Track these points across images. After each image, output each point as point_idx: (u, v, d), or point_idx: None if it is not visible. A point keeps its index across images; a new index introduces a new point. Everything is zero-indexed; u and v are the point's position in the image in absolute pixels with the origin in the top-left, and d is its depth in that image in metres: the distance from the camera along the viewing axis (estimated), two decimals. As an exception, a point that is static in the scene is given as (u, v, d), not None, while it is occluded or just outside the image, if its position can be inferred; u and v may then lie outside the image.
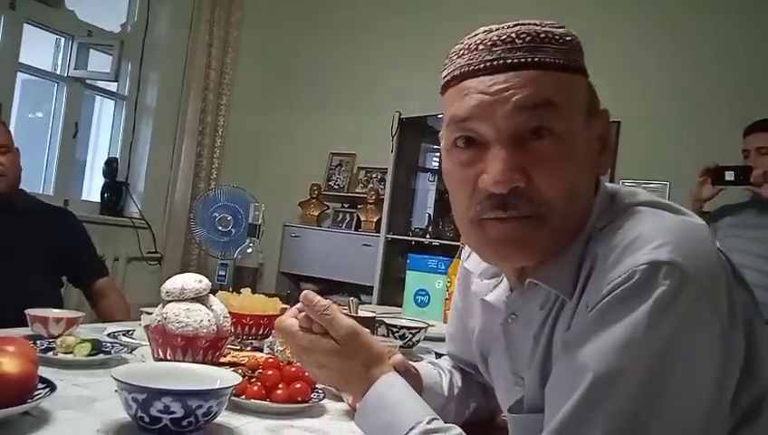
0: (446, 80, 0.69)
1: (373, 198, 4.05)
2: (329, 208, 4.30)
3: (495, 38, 0.65)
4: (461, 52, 0.67)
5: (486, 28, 0.66)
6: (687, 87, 3.25)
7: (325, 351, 0.72)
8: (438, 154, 3.91)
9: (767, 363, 0.64)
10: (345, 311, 1.56)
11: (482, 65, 0.64)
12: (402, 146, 3.81)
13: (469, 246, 0.72)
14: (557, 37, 0.65)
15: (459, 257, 1.89)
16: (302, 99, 4.40)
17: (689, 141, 3.13)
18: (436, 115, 3.71)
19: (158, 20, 3.80)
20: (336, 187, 4.32)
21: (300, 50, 4.42)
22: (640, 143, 3.22)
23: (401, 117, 3.73)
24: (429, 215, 3.93)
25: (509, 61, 0.63)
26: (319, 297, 0.73)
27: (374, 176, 4.20)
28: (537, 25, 0.65)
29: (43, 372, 0.92)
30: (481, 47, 0.65)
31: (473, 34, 0.67)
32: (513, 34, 0.64)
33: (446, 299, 1.89)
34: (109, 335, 1.23)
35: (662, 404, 0.55)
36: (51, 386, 0.81)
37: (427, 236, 3.79)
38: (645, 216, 0.63)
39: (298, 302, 0.75)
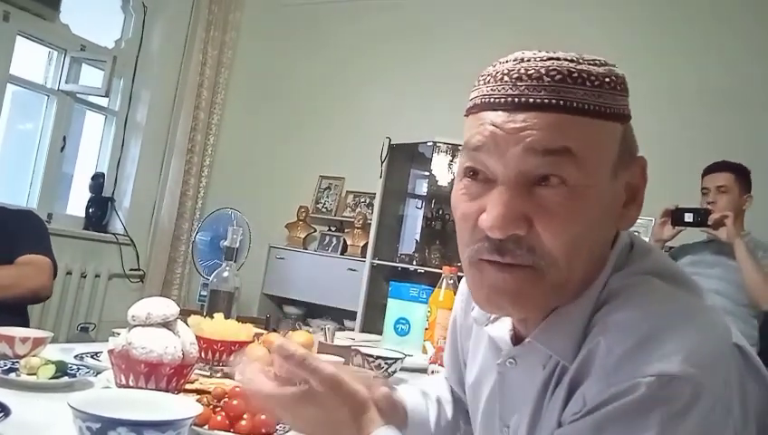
0: (468, 105, 0.64)
1: (360, 222, 4.04)
2: (315, 231, 4.29)
3: (523, 71, 0.60)
4: (487, 78, 0.63)
5: (518, 56, 0.62)
6: (670, 128, 3.29)
7: (308, 403, 0.67)
8: (427, 180, 3.93)
9: None
10: (321, 338, 1.54)
11: (502, 99, 0.60)
12: (391, 171, 3.82)
13: (467, 284, 0.67)
14: (593, 78, 0.59)
15: (440, 287, 1.89)
16: (292, 121, 4.41)
17: (671, 180, 3.17)
18: (426, 142, 3.73)
19: (152, 37, 3.83)
20: (324, 210, 4.31)
21: (292, 72, 4.44)
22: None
23: (391, 143, 3.74)
24: (416, 241, 3.93)
25: (531, 100, 0.58)
26: (295, 345, 0.67)
27: (362, 200, 4.20)
28: (572, 62, 0.60)
29: (4, 394, 0.90)
30: (506, 79, 0.60)
31: (504, 60, 0.63)
32: (543, 70, 0.59)
33: (426, 329, 1.88)
34: (76, 357, 1.20)
35: None
36: (5, 411, 0.79)
37: (414, 262, 3.77)
38: (658, 300, 0.58)
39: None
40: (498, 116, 0.60)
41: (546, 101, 0.58)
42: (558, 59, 0.60)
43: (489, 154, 0.60)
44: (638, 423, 0.52)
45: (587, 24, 3.41)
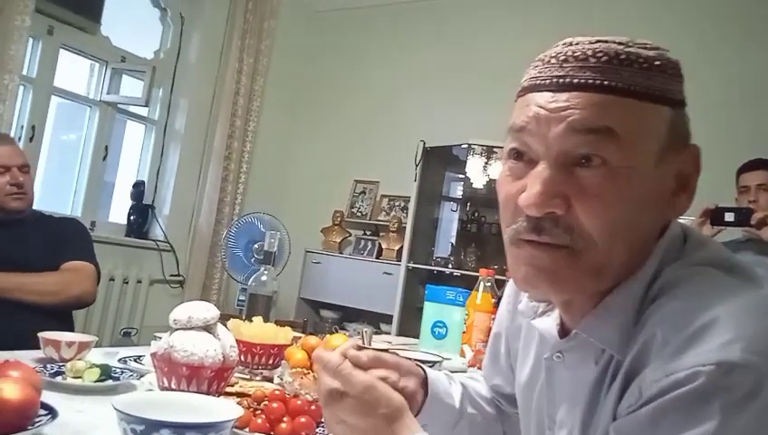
0: (519, 89, 0.65)
1: (395, 226, 4.04)
2: (351, 235, 4.30)
3: (570, 53, 0.60)
4: (536, 63, 0.63)
5: (569, 40, 0.62)
6: (707, 125, 3.20)
7: (343, 407, 0.68)
8: (462, 183, 3.90)
9: None
10: (359, 341, 1.54)
11: (548, 81, 0.60)
12: (426, 175, 3.81)
13: (508, 266, 0.66)
14: (641, 60, 0.59)
15: (477, 290, 1.87)
16: (327, 126, 4.44)
17: (710, 180, 3.07)
18: (461, 145, 3.71)
19: (189, 47, 3.90)
20: (359, 214, 4.33)
21: (327, 78, 4.48)
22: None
23: (425, 146, 3.73)
24: (452, 244, 3.90)
25: (575, 81, 0.58)
26: (330, 354, 0.69)
27: (397, 204, 4.20)
28: (621, 45, 0.59)
29: (51, 397, 0.91)
30: (553, 61, 0.61)
31: (556, 45, 0.63)
32: (590, 52, 0.59)
33: (464, 332, 1.86)
34: (120, 360, 1.22)
35: None
36: (52, 413, 0.80)
37: (449, 265, 3.75)
38: (717, 289, 0.56)
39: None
40: (543, 97, 0.60)
41: (591, 81, 0.58)
42: (606, 42, 0.60)
43: (532, 134, 0.60)
44: (699, 413, 0.49)
45: (629, 19, 3.34)
